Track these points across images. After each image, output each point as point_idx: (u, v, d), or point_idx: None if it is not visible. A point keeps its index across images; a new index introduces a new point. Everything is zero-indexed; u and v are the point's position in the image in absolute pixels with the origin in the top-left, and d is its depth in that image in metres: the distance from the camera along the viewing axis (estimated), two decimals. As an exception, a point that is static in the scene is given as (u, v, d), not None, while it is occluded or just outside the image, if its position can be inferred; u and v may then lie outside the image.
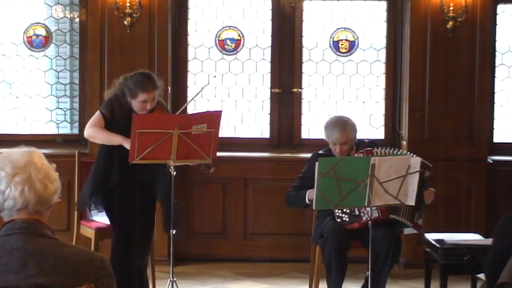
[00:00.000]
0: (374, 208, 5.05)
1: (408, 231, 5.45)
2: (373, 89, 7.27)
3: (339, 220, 5.28)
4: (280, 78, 7.23)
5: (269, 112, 7.25)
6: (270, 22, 7.21)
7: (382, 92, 7.24)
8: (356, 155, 5.32)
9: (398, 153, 5.32)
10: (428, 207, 6.55)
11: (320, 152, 5.60)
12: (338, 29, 7.21)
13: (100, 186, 5.32)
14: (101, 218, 5.84)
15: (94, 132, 5.26)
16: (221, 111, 5.50)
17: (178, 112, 5.49)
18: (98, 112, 5.33)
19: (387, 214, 5.21)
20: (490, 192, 6.89)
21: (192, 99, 5.75)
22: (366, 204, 4.75)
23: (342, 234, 5.22)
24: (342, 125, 5.45)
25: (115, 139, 5.19)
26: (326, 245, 5.22)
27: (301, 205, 5.46)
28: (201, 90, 5.61)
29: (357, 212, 5.26)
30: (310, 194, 5.22)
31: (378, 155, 5.16)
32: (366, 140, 5.60)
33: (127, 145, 5.07)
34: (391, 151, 5.28)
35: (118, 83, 5.32)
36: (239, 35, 7.21)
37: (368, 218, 4.98)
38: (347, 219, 5.28)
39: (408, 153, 5.34)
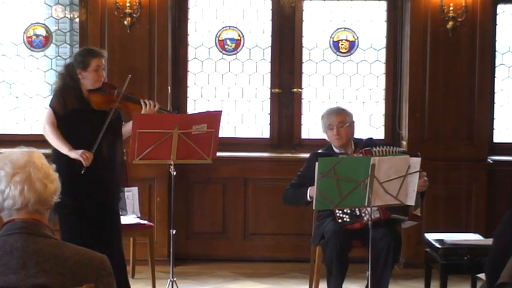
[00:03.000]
0: (375, 209, 5.06)
1: (407, 224, 5.44)
2: (373, 89, 7.27)
3: (339, 221, 5.28)
4: (280, 78, 7.23)
5: (269, 112, 7.25)
6: (270, 22, 7.21)
7: (382, 92, 7.24)
8: (355, 155, 5.32)
9: (396, 149, 5.31)
10: (429, 207, 6.58)
11: (319, 151, 5.60)
12: (338, 29, 7.21)
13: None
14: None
15: (48, 132, 5.27)
16: (221, 111, 5.51)
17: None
18: (49, 109, 5.32)
19: (388, 214, 5.21)
20: (490, 192, 6.89)
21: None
22: (366, 204, 4.75)
23: (343, 236, 5.21)
24: (337, 109, 5.67)
25: (62, 148, 5.17)
26: (327, 247, 5.21)
27: (301, 202, 5.44)
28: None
29: (357, 213, 5.26)
30: (311, 191, 5.21)
31: (377, 154, 5.15)
32: (364, 139, 5.60)
33: (72, 155, 5.10)
34: (390, 149, 5.27)
35: (60, 72, 5.41)
36: (239, 35, 7.21)
37: (369, 218, 4.97)
38: (348, 220, 5.28)
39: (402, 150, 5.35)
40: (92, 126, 5.13)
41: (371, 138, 5.68)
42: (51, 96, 5.41)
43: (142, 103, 5.28)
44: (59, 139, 5.18)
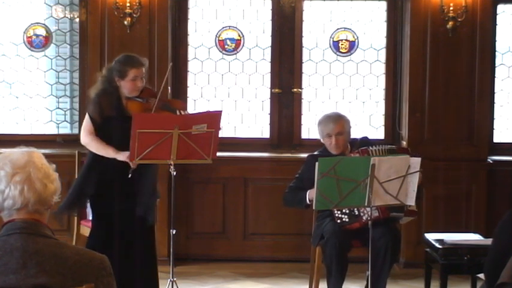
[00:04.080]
0: (374, 208, 5.06)
1: (404, 220, 5.45)
2: (373, 89, 7.27)
3: (338, 221, 5.28)
4: (280, 78, 7.23)
5: (269, 112, 7.25)
6: (270, 22, 7.21)
7: (382, 92, 7.24)
8: (352, 155, 5.31)
9: (384, 147, 5.29)
10: (429, 207, 6.58)
11: (315, 153, 5.59)
12: (338, 29, 7.21)
13: (77, 198, 5.32)
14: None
15: (89, 141, 5.26)
16: (221, 111, 5.49)
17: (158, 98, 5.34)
18: (86, 116, 5.32)
19: (387, 213, 5.21)
20: (490, 192, 6.89)
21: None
22: (366, 204, 4.75)
23: (342, 236, 5.21)
24: (335, 117, 5.57)
25: (108, 152, 5.18)
26: (327, 247, 5.22)
27: (301, 206, 5.45)
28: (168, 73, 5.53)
29: (356, 212, 5.25)
30: (310, 194, 5.22)
31: (374, 154, 5.15)
32: (358, 139, 5.59)
33: (120, 157, 5.11)
34: (385, 148, 5.27)
35: (101, 75, 5.35)
36: (239, 35, 7.21)
37: (368, 218, 4.97)
38: (347, 220, 5.28)
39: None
40: (127, 133, 5.04)
41: (366, 137, 5.67)
42: (90, 103, 5.37)
43: (177, 113, 5.27)
44: (101, 145, 5.18)
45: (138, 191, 5.24)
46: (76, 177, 5.51)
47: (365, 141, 5.52)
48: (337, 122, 5.48)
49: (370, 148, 5.25)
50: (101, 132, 5.24)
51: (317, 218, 5.53)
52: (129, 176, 5.11)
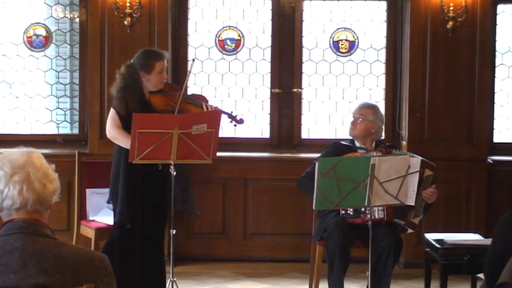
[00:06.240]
0: (381, 209, 5.08)
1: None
2: (373, 89, 7.27)
3: (343, 212, 5.29)
4: (280, 78, 7.23)
5: (269, 112, 7.25)
6: (270, 22, 7.21)
7: (382, 92, 7.24)
8: (374, 153, 5.30)
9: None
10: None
11: (342, 142, 5.61)
12: (338, 29, 7.21)
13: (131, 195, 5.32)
14: (101, 218, 5.84)
15: (116, 134, 5.30)
16: (221, 111, 5.50)
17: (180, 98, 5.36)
18: (112, 110, 5.36)
19: (392, 217, 5.22)
20: (490, 192, 6.89)
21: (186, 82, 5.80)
22: (366, 204, 4.75)
23: (346, 229, 5.22)
24: (366, 104, 5.73)
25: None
26: (330, 239, 5.22)
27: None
28: (190, 70, 5.61)
29: (362, 209, 5.25)
30: None
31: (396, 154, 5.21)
32: (387, 144, 5.67)
33: None
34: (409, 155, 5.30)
35: (121, 73, 5.37)
36: (239, 35, 7.21)
37: (371, 217, 4.96)
38: (351, 213, 5.30)
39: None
40: None
41: (392, 144, 5.77)
42: (114, 98, 5.38)
43: (204, 107, 5.32)
44: (127, 138, 5.17)
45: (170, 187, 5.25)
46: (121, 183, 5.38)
47: (391, 144, 5.58)
48: (363, 108, 5.61)
49: (394, 151, 5.30)
50: (124, 124, 5.27)
51: (319, 214, 5.53)
52: (160, 168, 5.19)
